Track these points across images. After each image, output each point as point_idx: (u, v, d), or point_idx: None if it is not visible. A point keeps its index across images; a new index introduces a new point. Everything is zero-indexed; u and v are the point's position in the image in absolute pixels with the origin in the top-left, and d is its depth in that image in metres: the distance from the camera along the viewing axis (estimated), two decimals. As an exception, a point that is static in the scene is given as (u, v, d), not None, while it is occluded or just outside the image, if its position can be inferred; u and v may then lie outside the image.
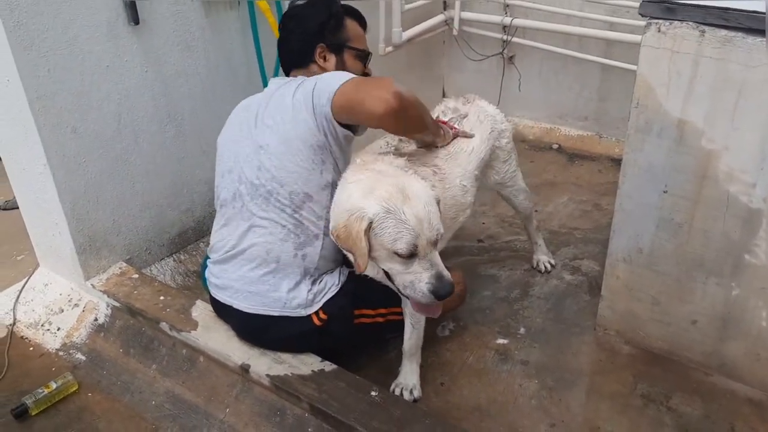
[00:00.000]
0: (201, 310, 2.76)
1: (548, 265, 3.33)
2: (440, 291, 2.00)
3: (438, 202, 2.07)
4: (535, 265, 3.35)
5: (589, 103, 4.56)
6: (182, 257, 3.38)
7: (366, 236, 1.95)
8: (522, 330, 2.93)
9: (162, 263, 3.33)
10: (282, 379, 2.42)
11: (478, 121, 2.76)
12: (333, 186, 2.31)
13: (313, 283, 2.43)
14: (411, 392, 2.54)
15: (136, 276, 3.05)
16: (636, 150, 2.45)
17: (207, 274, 2.60)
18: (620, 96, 4.26)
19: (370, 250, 2.00)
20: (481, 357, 2.77)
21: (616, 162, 4.27)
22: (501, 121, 2.90)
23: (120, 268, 3.10)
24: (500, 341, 2.86)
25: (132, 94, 2.90)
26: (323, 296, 2.44)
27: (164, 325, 2.74)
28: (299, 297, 2.40)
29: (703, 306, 2.51)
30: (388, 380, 2.59)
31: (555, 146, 4.67)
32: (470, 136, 2.68)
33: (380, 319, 2.52)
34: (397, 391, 2.54)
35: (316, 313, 2.43)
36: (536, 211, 3.53)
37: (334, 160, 2.32)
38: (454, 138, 2.64)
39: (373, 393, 2.33)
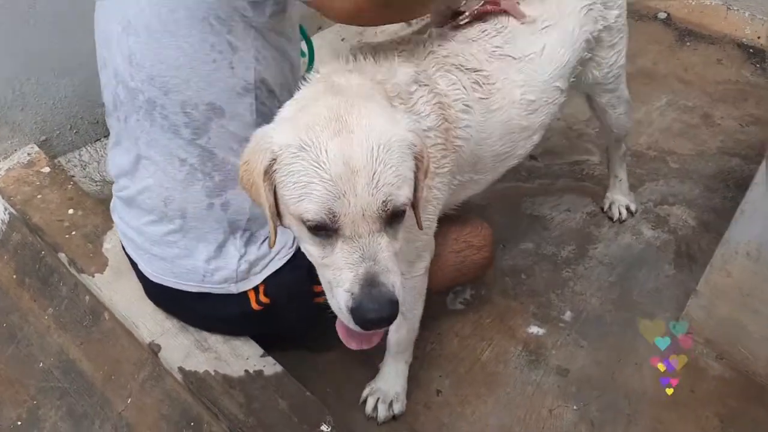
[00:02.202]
0: (117, 242, 1.94)
1: (624, 212, 2.35)
2: (364, 312, 1.14)
3: (419, 155, 1.23)
4: (606, 207, 2.37)
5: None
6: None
7: (267, 183, 1.19)
8: (568, 315, 2.05)
9: (96, 147, 2.48)
10: (199, 380, 1.67)
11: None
12: (260, 89, 1.45)
13: (248, 244, 1.58)
14: (390, 406, 1.79)
15: (47, 170, 2.24)
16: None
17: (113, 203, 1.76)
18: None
19: (278, 209, 1.23)
20: (501, 353, 1.95)
21: (746, 50, 3.11)
22: None
23: (28, 154, 2.29)
24: (533, 330, 2.01)
25: None
26: (265, 266, 1.59)
27: (63, 258, 1.96)
28: (226, 268, 1.57)
29: None
30: (363, 383, 1.81)
31: (662, 15, 3.39)
32: (521, 17, 1.60)
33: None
34: (371, 403, 1.79)
35: (255, 290, 1.60)
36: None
37: (254, 47, 1.41)
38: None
39: (323, 428, 1.55)
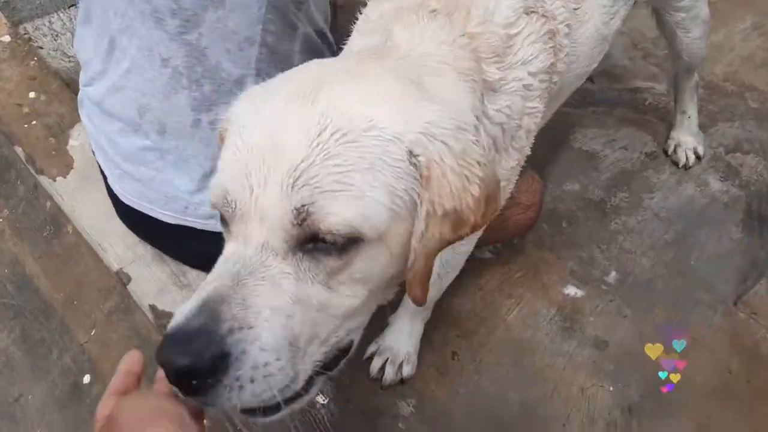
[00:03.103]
0: (86, 139, 1.60)
1: (692, 156, 1.99)
2: (161, 351, 0.72)
3: (425, 177, 0.81)
4: (670, 150, 2.02)
5: None
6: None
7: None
8: (612, 276, 1.76)
9: (70, 14, 2.07)
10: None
11: None
12: None
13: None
14: (400, 367, 1.53)
15: (7, 39, 1.87)
16: None
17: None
18: None
19: None
20: (530, 315, 1.67)
21: None
22: None
23: (-14, 17, 1.88)
24: (570, 291, 1.72)
25: None
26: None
27: (20, 152, 1.63)
28: (213, 201, 1.23)
29: None
30: (370, 337, 1.54)
31: None
32: None
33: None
34: (377, 363, 1.53)
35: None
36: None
37: None
38: None
39: (318, 399, 1.30)
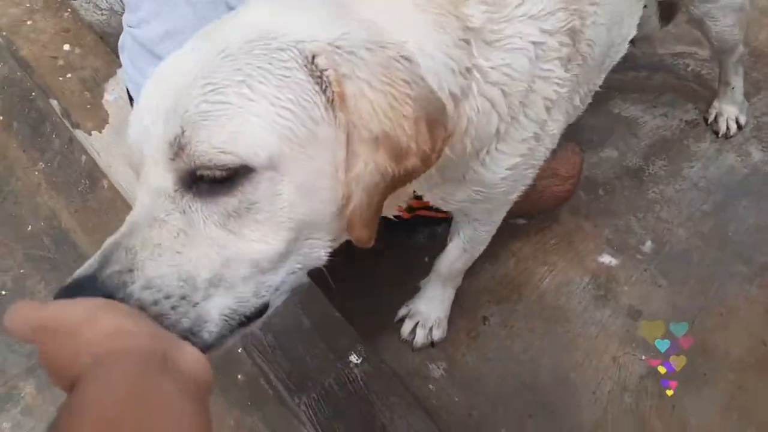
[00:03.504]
0: (122, 92, 1.59)
1: (734, 125, 1.93)
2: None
3: (325, 78, 0.70)
4: (711, 119, 1.95)
5: None
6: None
7: None
8: (648, 245, 1.73)
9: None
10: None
11: None
12: None
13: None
14: (430, 331, 1.53)
15: (41, -11, 1.82)
16: None
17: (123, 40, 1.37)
18: None
19: None
20: (564, 283, 1.65)
21: None
22: None
23: (18, -35, 1.85)
24: (605, 259, 1.69)
25: None
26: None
27: (55, 105, 1.62)
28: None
29: None
30: (396, 300, 1.54)
31: None
32: None
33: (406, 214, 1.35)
34: (408, 326, 1.53)
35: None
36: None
37: None
38: None
39: (351, 359, 1.30)
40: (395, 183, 0.73)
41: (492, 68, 0.86)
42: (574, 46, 0.97)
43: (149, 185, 0.71)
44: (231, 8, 1.09)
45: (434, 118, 0.73)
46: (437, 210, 1.14)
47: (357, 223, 0.73)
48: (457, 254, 1.34)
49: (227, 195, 0.69)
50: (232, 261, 0.70)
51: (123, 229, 0.71)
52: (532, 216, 1.72)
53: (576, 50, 0.98)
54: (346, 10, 0.77)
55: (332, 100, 0.69)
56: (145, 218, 0.70)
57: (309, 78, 0.69)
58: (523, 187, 1.11)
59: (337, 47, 0.70)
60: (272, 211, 0.70)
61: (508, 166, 0.98)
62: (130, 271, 0.67)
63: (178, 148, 0.68)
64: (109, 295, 0.65)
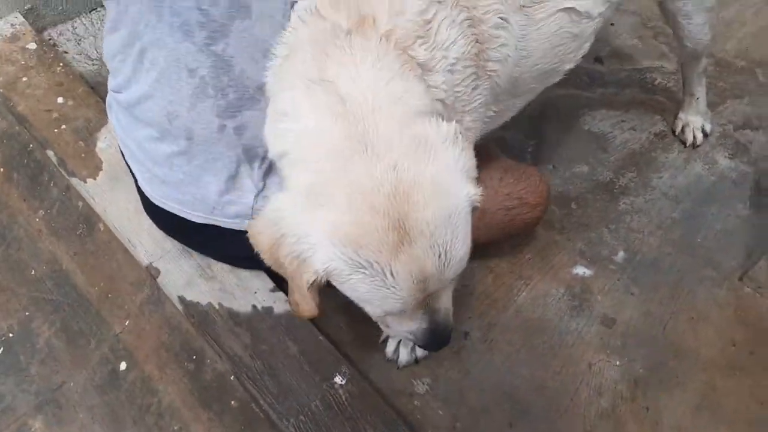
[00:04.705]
0: (112, 140, 1.70)
1: (700, 135, 2.02)
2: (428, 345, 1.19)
3: (474, 208, 1.06)
4: (678, 130, 2.05)
5: None
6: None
7: (312, 292, 1.04)
8: (620, 255, 1.81)
9: (92, 18, 2.15)
10: (201, 313, 1.50)
11: None
12: None
13: (267, 176, 1.31)
14: (413, 349, 1.61)
15: (33, 46, 1.95)
16: None
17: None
18: None
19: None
20: (540, 295, 1.73)
21: None
22: None
23: (12, 25, 1.99)
24: (579, 271, 1.78)
25: None
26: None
27: (52, 156, 1.73)
28: (240, 202, 1.34)
29: None
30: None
31: None
32: None
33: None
34: (392, 345, 1.63)
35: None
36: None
37: None
38: None
39: (336, 380, 1.39)
40: None
41: (435, 88, 1.09)
42: (479, 68, 1.16)
43: (431, 300, 1.11)
44: (191, 70, 1.20)
45: None
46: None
47: None
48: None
49: None
50: None
51: (434, 314, 1.15)
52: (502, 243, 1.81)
53: (483, 71, 1.18)
54: (427, 40, 1.07)
55: None
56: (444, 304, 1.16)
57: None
58: None
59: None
60: None
61: None
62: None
63: (454, 278, 1.11)
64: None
